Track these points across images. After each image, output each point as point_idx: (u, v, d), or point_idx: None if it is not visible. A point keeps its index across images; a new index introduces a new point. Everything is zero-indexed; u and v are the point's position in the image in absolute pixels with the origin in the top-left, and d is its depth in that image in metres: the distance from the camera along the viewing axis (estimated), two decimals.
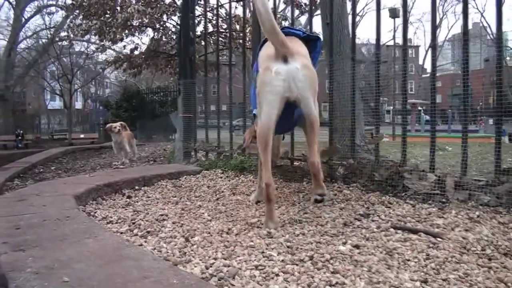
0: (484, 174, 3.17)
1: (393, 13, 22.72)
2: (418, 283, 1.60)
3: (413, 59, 47.53)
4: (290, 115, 2.58)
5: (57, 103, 44.64)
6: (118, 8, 10.81)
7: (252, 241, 2.14)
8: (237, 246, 2.06)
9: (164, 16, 11.35)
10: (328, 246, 2.02)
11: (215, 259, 1.87)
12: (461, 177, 2.89)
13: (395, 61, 22.55)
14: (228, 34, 7.91)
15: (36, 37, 28.33)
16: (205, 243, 2.12)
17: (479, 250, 1.95)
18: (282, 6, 14.40)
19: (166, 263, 1.76)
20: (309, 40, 2.85)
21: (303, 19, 17.53)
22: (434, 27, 3.30)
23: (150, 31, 12.84)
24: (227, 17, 10.26)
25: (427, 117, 21.88)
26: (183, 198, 3.42)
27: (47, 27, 27.16)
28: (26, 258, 1.71)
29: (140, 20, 10.77)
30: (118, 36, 10.76)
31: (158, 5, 10.66)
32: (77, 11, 11.52)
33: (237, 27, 10.55)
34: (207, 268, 1.75)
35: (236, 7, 11.95)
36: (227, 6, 9.56)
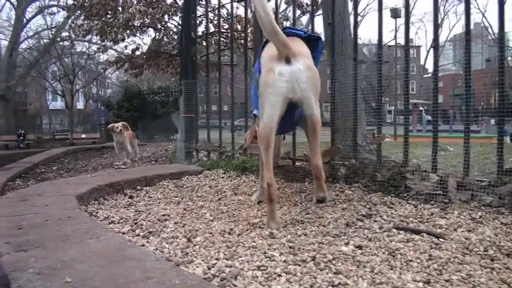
0: (486, 174, 3.16)
1: (395, 13, 22.72)
2: (421, 284, 1.59)
3: (414, 59, 47.46)
4: (291, 115, 2.58)
5: (59, 103, 44.68)
6: (120, 8, 10.81)
7: (254, 241, 2.14)
8: (239, 247, 2.06)
9: (166, 17, 11.34)
10: (330, 247, 2.02)
11: (217, 259, 1.87)
12: (463, 178, 2.88)
13: (397, 61, 22.53)
14: (229, 34, 7.91)
15: (37, 37, 28.37)
16: (207, 244, 2.12)
17: (482, 251, 1.94)
18: (283, 6, 14.39)
19: (169, 264, 1.75)
20: (311, 40, 2.85)
21: (304, 19, 17.51)
22: (437, 28, 3.30)
23: (151, 32, 12.84)
24: (229, 17, 10.26)
25: (429, 117, 21.86)
26: (185, 198, 3.42)
27: (49, 27, 27.20)
28: (28, 258, 1.71)
29: (141, 21, 10.77)
30: (119, 36, 10.76)
31: (160, 5, 10.65)
32: (79, 11, 11.51)
33: (239, 27, 10.55)
34: (209, 269, 1.75)
35: (237, 7, 11.95)
36: (228, 6, 9.57)
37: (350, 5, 4.50)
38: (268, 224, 2.40)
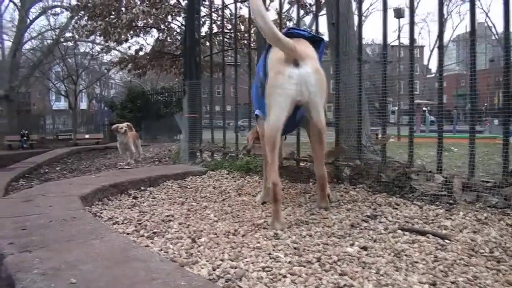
0: (490, 175, 3.15)
1: (398, 13, 22.68)
2: (426, 286, 1.58)
3: (417, 59, 47.39)
4: (293, 116, 2.59)
5: (62, 104, 44.86)
6: (123, 9, 10.84)
7: (258, 242, 2.13)
8: (244, 247, 2.05)
9: (169, 17, 11.38)
10: (335, 248, 2.01)
11: (222, 260, 1.87)
12: (468, 178, 2.87)
13: (400, 61, 22.47)
14: (233, 35, 7.90)
15: (41, 38, 28.51)
16: (211, 244, 2.11)
17: (488, 252, 1.93)
18: (286, 6, 14.40)
19: (173, 265, 1.75)
20: (314, 41, 2.84)
21: (307, 19, 17.51)
22: (442, 29, 3.29)
23: (155, 32, 12.90)
24: (232, 17, 10.26)
25: (432, 118, 21.80)
26: (189, 198, 3.42)
27: (52, 28, 27.33)
28: (33, 259, 1.71)
29: (144, 21, 10.81)
30: (123, 37, 10.80)
31: (163, 6, 10.68)
32: (82, 12, 11.56)
33: (242, 27, 10.56)
34: (214, 270, 1.75)
35: (241, 8, 11.92)
36: (232, 6, 9.57)
37: (353, 5, 4.48)
38: (272, 225, 2.40)
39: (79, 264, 1.66)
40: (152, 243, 2.19)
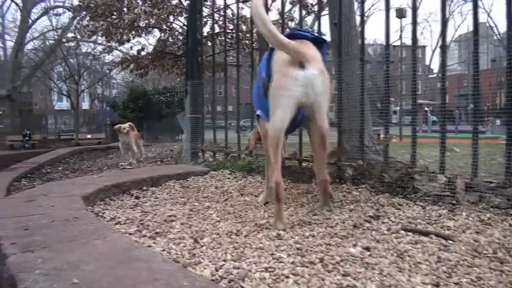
0: (492, 175, 3.14)
1: (400, 13, 22.66)
2: (430, 287, 1.58)
3: (419, 59, 47.31)
4: (295, 117, 2.59)
5: (64, 104, 44.94)
6: (125, 9, 10.86)
7: (261, 242, 2.12)
8: (247, 248, 2.05)
9: (171, 17, 11.39)
10: (338, 248, 2.00)
11: (224, 260, 1.86)
12: (471, 179, 2.86)
13: (402, 61, 22.44)
14: (235, 35, 7.91)
15: (43, 38, 28.53)
16: (214, 245, 2.11)
17: (491, 253, 1.92)
18: (288, 6, 14.38)
19: (176, 265, 1.75)
20: (317, 42, 2.84)
21: (309, 19, 17.49)
22: (444, 29, 3.28)
23: (156, 32, 12.91)
24: (234, 17, 10.27)
25: (434, 118, 21.76)
26: (191, 198, 3.41)
27: (54, 28, 27.37)
28: (35, 259, 1.71)
29: (146, 21, 10.82)
30: (124, 37, 10.81)
31: (165, 6, 10.69)
32: (84, 12, 11.57)
33: (244, 27, 10.56)
34: (217, 270, 1.74)
35: (242, 8, 11.94)
36: (234, 6, 9.58)
37: (355, 6, 4.48)
38: (275, 225, 2.39)
39: (81, 264, 1.66)
40: (154, 243, 2.18)
